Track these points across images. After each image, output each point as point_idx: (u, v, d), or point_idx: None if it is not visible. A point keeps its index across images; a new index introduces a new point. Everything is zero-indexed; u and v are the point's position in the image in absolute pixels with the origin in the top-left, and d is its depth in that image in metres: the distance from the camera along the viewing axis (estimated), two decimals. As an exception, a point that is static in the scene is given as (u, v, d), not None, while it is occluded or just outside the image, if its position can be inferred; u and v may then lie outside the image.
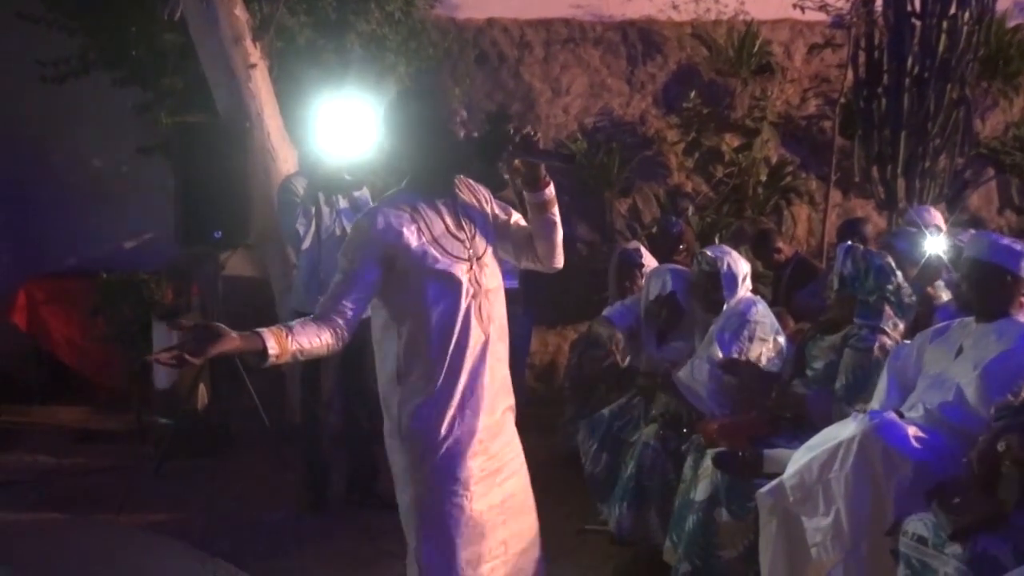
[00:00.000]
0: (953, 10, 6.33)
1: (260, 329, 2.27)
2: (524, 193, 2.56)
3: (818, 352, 3.67)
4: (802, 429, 3.46)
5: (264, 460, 5.20)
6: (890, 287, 3.50)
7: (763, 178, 7.59)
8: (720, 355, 3.84)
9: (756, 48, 7.81)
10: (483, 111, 7.38)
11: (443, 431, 2.44)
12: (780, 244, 5.73)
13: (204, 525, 4.46)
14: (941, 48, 6.35)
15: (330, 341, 2.37)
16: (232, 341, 2.20)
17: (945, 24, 6.33)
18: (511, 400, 2.63)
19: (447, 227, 2.49)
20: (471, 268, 2.48)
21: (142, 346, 5.78)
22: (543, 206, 2.56)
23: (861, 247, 3.64)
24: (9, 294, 6.53)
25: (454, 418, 2.45)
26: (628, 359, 4.63)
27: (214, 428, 5.61)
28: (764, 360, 3.88)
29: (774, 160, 7.73)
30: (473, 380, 2.47)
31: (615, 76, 7.96)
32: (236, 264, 6.43)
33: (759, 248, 5.81)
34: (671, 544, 3.63)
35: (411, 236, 2.43)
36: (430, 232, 2.46)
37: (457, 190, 2.58)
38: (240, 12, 5.59)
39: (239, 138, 5.39)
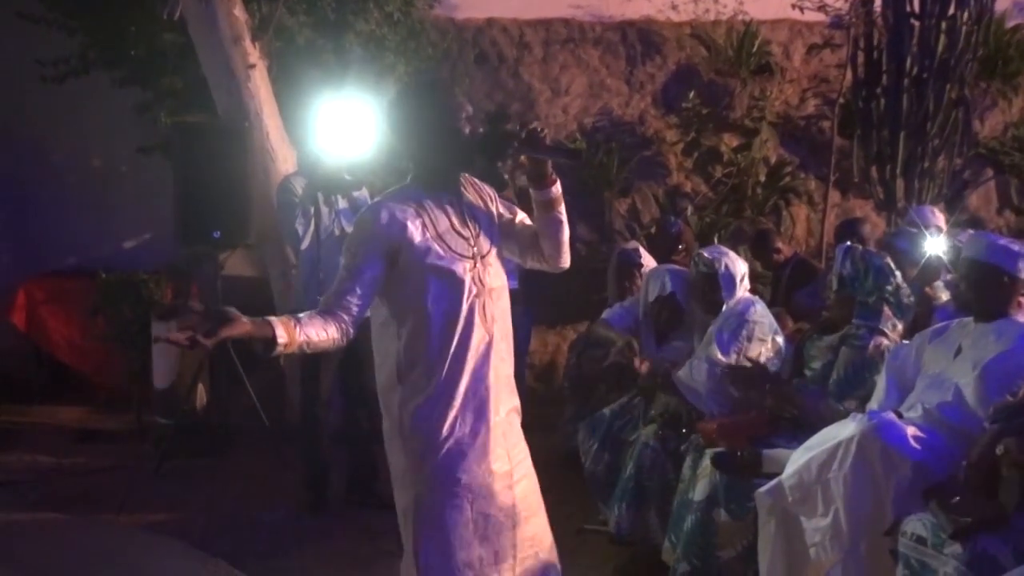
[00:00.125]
0: (952, 10, 6.34)
1: (270, 317, 2.25)
2: (531, 191, 2.53)
3: (816, 352, 3.68)
4: (801, 429, 3.47)
5: (264, 460, 5.20)
6: (889, 288, 3.51)
7: (762, 178, 7.60)
8: (719, 355, 3.84)
9: (755, 48, 7.82)
10: (482, 111, 7.38)
11: (444, 432, 2.41)
12: (779, 244, 5.73)
13: (204, 525, 4.46)
14: (940, 48, 6.36)
15: (335, 336, 2.34)
16: (243, 325, 2.18)
17: (944, 24, 6.34)
18: (516, 402, 2.60)
19: (451, 224, 2.47)
20: (475, 266, 2.46)
21: (142, 346, 5.79)
22: (549, 204, 2.52)
23: (860, 248, 3.64)
24: (9, 294, 6.53)
25: (456, 419, 2.42)
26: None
27: (214, 428, 5.62)
28: (763, 360, 3.88)
29: (773, 160, 7.73)
30: (476, 381, 2.44)
31: (614, 76, 7.97)
32: (236, 264, 6.44)
33: (758, 248, 5.81)
34: (670, 544, 3.64)
35: (415, 231, 2.41)
36: (434, 228, 2.43)
37: (462, 188, 2.56)
38: (239, 12, 5.60)
39: (238, 138, 5.39)
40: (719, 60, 7.89)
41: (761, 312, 3.95)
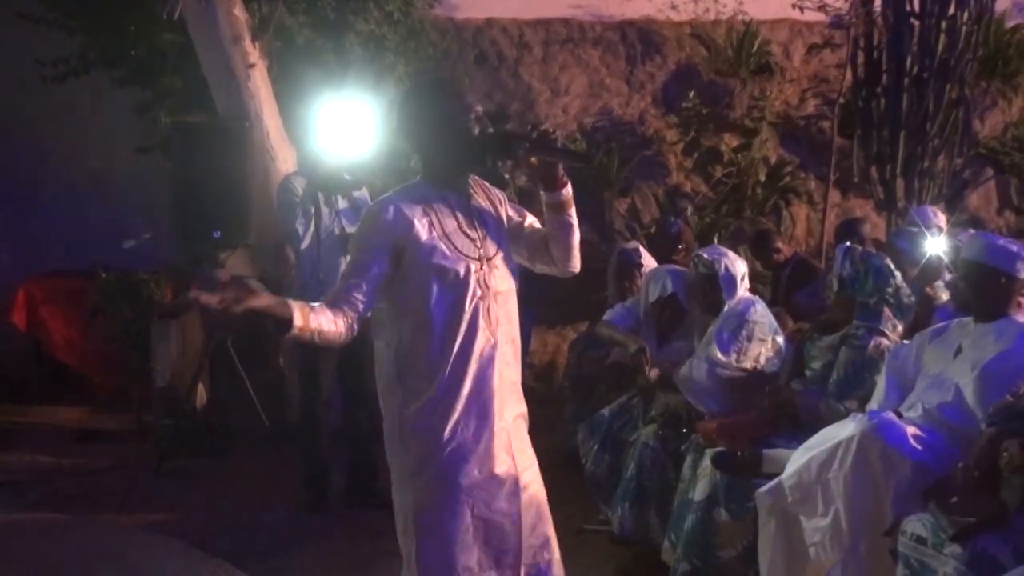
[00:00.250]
0: (952, 10, 6.34)
1: (288, 299, 2.23)
2: (541, 193, 2.50)
3: (817, 352, 3.68)
4: (801, 429, 3.47)
5: (264, 460, 5.20)
6: (889, 289, 3.50)
7: (762, 178, 7.60)
8: (719, 354, 3.84)
9: (755, 48, 7.83)
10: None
11: (446, 435, 2.37)
12: (779, 244, 5.73)
13: (204, 525, 4.46)
14: (940, 48, 6.35)
15: (342, 330, 2.31)
16: (266, 298, 2.17)
17: (944, 24, 6.34)
18: (523, 408, 2.56)
19: (458, 224, 2.44)
20: (480, 268, 2.42)
21: (142, 346, 5.79)
22: (560, 206, 2.49)
23: (860, 248, 3.63)
24: (9, 294, 6.53)
25: (458, 422, 2.38)
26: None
27: (214, 428, 5.61)
28: (763, 360, 3.89)
29: (773, 160, 7.74)
30: (479, 384, 2.40)
31: (614, 76, 7.97)
32: (235, 264, 6.42)
33: (758, 248, 5.81)
34: (670, 544, 3.64)
35: (422, 229, 2.38)
36: (441, 228, 2.41)
37: (471, 190, 2.53)
38: (239, 12, 5.60)
39: (238, 138, 5.38)
40: (719, 60, 7.89)
41: (761, 312, 3.95)
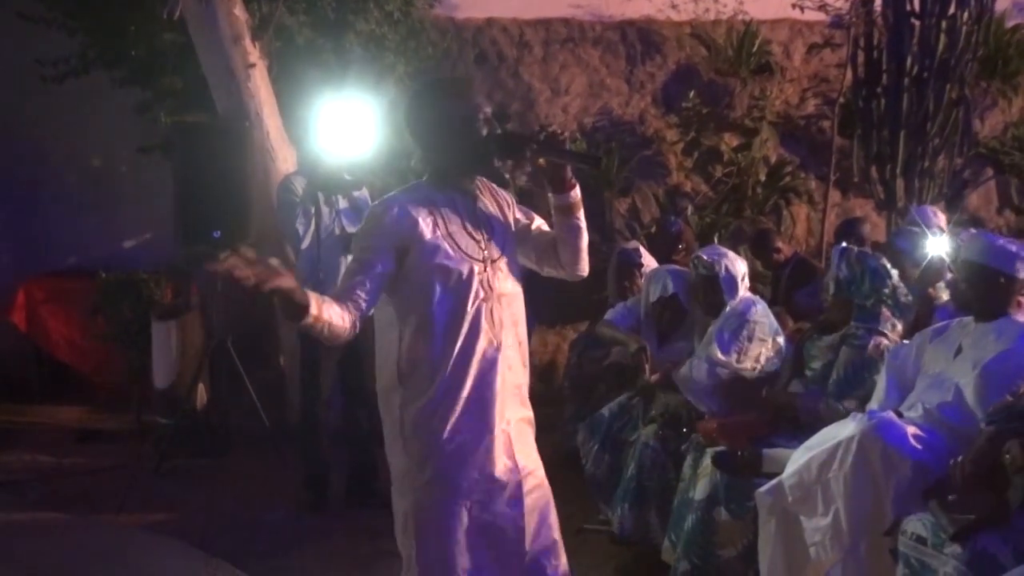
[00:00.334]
0: (952, 10, 6.34)
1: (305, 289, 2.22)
2: (549, 195, 2.47)
3: (816, 352, 3.68)
4: (801, 429, 3.47)
5: (264, 460, 5.20)
6: (886, 290, 3.50)
7: (762, 178, 7.60)
8: (719, 354, 3.85)
9: (755, 48, 7.82)
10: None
11: (445, 436, 2.36)
12: (779, 244, 5.73)
13: (204, 525, 4.45)
14: (940, 48, 6.36)
15: (347, 326, 2.29)
16: (290, 280, 2.15)
17: (944, 24, 6.35)
18: (528, 412, 2.54)
19: (463, 225, 2.43)
20: (484, 270, 2.41)
21: (142, 346, 5.79)
22: (568, 209, 2.48)
23: (855, 249, 3.62)
24: (9, 294, 6.53)
25: (457, 423, 2.36)
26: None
27: (214, 428, 5.61)
28: (763, 360, 3.89)
29: (773, 160, 7.73)
30: (480, 386, 2.38)
31: (614, 76, 7.97)
32: (235, 264, 6.42)
33: (758, 248, 5.81)
34: (670, 543, 3.64)
35: (426, 228, 2.37)
36: (445, 227, 2.39)
37: (478, 191, 2.52)
38: (239, 12, 5.59)
39: (238, 138, 5.38)
40: (719, 60, 7.89)
41: (762, 312, 3.96)
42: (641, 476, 3.91)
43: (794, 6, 7.16)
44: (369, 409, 4.56)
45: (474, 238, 2.43)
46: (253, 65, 5.60)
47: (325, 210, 4.52)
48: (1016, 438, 2.65)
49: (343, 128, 4.48)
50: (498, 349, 2.41)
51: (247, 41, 5.60)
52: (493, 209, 2.53)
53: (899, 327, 3.54)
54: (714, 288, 3.99)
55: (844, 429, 2.99)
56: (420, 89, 2.52)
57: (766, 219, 7.36)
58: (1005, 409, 2.81)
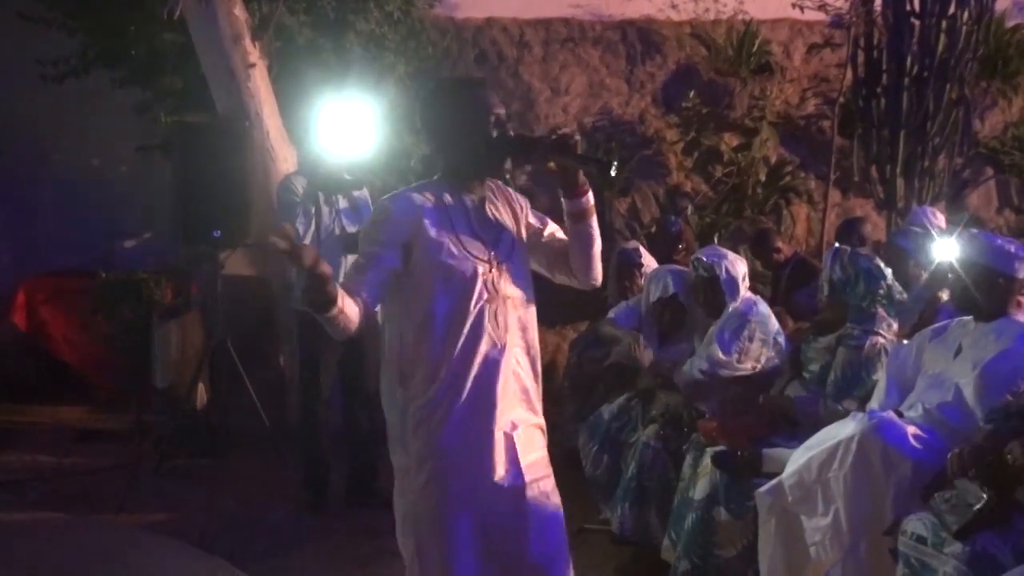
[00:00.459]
0: (952, 10, 6.35)
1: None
2: (562, 200, 2.42)
3: (814, 354, 3.67)
4: (801, 429, 3.47)
5: (264, 460, 5.19)
6: (881, 291, 3.50)
7: (762, 177, 7.60)
8: (720, 354, 3.85)
9: (755, 48, 7.83)
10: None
11: (444, 437, 2.34)
12: (779, 244, 5.73)
13: (204, 525, 4.45)
14: (940, 48, 6.36)
15: (355, 321, 2.27)
16: (328, 268, 2.15)
17: (944, 24, 6.35)
18: (538, 419, 2.49)
19: (470, 225, 2.40)
20: (489, 271, 2.38)
21: (142, 346, 5.79)
22: (580, 215, 2.41)
23: (848, 250, 3.60)
24: (9, 293, 6.53)
25: (458, 426, 2.33)
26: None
27: (214, 428, 5.61)
28: (764, 360, 3.89)
29: (773, 160, 7.74)
30: (482, 388, 2.35)
31: (614, 75, 7.97)
32: (235, 263, 6.42)
33: (758, 248, 5.81)
34: (670, 542, 3.64)
35: (431, 225, 2.34)
36: (451, 226, 2.36)
37: (491, 193, 2.49)
38: (239, 11, 5.60)
39: (238, 137, 5.38)
40: (719, 59, 7.90)
41: (763, 312, 3.96)
42: (642, 476, 3.91)
43: (794, 6, 7.16)
44: (369, 409, 4.56)
45: (480, 239, 2.40)
46: (253, 65, 5.60)
47: (325, 210, 4.52)
48: (1016, 438, 2.65)
49: (343, 128, 4.48)
50: (502, 352, 2.38)
51: (247, 41, 5.60)
52: (504, 212, 2.50)
53: (895, 326, 3.54)
54: (715, 289, 3.99)
55: (844, 429, 2.99)
56: (433, 88, 2.49)
57: (766, 219, 7.37)
58: (1003, 408, 2.81)
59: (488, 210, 2.46)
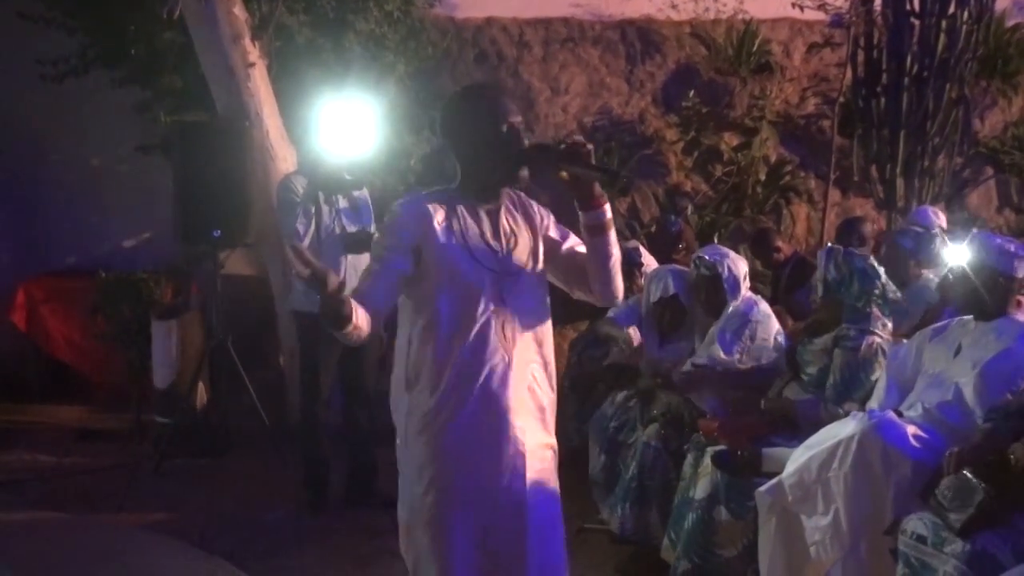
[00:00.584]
0: (952, 9, 6.36)
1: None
2: (579, 213, 2.36)
3: (810, 357, 3.66)
4: (801, 428, 3.47)
5: (264, 460, 5.20)
6: (876, 291, 3.49)
7: (762, 177, 7.60)
8: (721, 354, 3.85)
9: (755, 47, 7.83)
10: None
11: (445, 445, 2.32)
12: (779, 243, 5.74)
13: (204, 525, 4.46)
14: (940, 47, 6.37)
15: (368, 329, 2.24)
16: (343, 288, 2.13)
17: (944, 23, 6.36)
18: (550, 439, 2.46)
19: (482, 233, 2.36)
20: (498, 281, 2.34)
21: (142, 346, 5.79)
22: (597, 228, 2.34)
23: (841, 250, 3.60)
24: (8, 293, 6.52)
25: (459, 435, 2.31)
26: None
27: (214, 428, 5.61)
28: (764, 360, 3.89)
29: (773, 159, 7.74)
30: (487, 400, 2.32)
31: (614, 75, 7.97)
32: (235, 263, 6.43)
33: (758, 247, 5.82)
34: (669, 542, 3.64)
35: (441, 231, 2.32)
36: (462, 233, 2.33)
37: (509, 202, 2.44)
38: (239, 11, 5.59)
39: (238, 137, 5.39)
40: (719, 59, 7.90)
41: (764, 312, 3.96)
42: (642, 476, 3.91)
43: (794, 5, 7.16)
44: (369, 409, 4.56)
45: (492, 248, 2.36)
46: (253, 64, 5.60)
47: (325, 210, 4.52)
48: (1017, 438, 2.65)
49: (343, 128, 4.48)
50: (509, 365, 2.35)
51: (247, 40, 5.60)
52: (521, 223, 2.45)
53: (889, 325, 3.53)
54: (716, 288, 3.99)
55: (844, 428, 2.99)
56: (454, 96, 2.47)
57: (766, 218, 7.37)
58: (1002, 409, 2.81)
59: (503, 220, 2.42)
